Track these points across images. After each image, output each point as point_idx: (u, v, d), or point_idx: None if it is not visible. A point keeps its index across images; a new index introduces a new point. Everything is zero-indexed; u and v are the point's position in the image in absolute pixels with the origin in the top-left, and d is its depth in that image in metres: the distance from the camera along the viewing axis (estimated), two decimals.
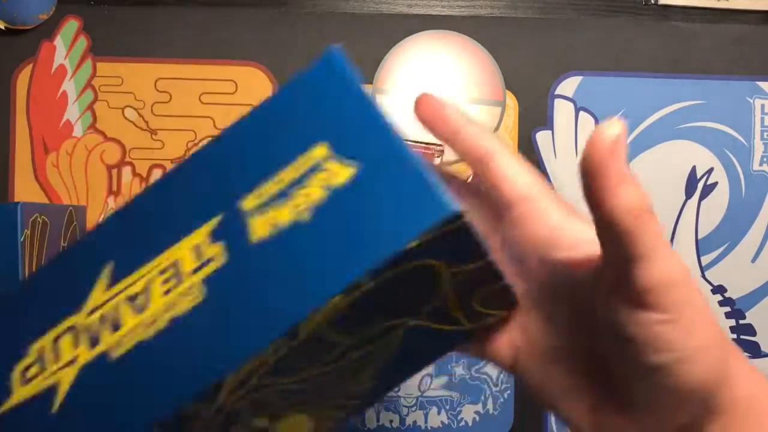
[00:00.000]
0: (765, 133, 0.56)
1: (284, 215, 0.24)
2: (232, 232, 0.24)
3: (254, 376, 0.23)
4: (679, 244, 0.56)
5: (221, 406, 0.24)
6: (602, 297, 0.25)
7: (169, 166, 0.55)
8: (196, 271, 0.24)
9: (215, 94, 0.55)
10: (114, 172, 0.55)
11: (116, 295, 0.25)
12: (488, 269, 0.26)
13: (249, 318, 0.23)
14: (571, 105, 0.56)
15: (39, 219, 0.47)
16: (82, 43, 0.55)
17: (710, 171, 0.56)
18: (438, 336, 0.28)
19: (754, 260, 0.56)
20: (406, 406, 0.55)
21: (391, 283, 0.23)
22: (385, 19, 0.56)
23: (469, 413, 0.56)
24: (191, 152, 0.26)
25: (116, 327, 0.25)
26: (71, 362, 0.25)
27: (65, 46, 0.55)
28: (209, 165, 0.26)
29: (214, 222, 0.25)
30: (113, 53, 0.55)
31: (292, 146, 0.25)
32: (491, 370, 0.56)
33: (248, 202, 0.25)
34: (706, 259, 0.56)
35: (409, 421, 0.55)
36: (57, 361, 0.25)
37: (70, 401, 0.24)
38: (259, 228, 0.24)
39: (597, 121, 0.56)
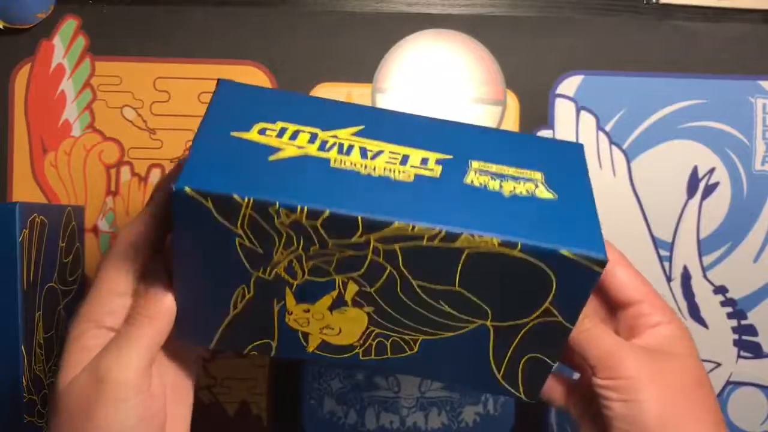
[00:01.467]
0: (767, 133, 0.56)
1: (492, 185, 0.34)
2: (453, 168, 0.34)
3: (397, 245, 0.32)
4: (680, 244, 0.56)
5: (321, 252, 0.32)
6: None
7: (168, 166, 0.55)
8: (415, 167, 0.34)
9: None
10: (113, 171, 0.55)
11: (355, 140, 0.34)
12: (563, 332, 0.34)
13: (428, 202, 0.32)
14: (572, 104, 0.56)
15: (37, 219, 0.47)
16: (81, 42, 0.55)
17: (712, 171, 0.56)
18: (477, 357, 0.37)
19: (756, 260, 0.56)
20: (406, 407, 0.55)
21: (520, 268, 0.32)
22: (385, 18, 0.56)
23: (469, 414, 0.55)
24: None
25: (343, 152, 0.33)
26: (300, 146, 0.33)
27: (63, 45, 0.55)
28: (476, 136, 0.37)
29: (446, 156, 0.35)
30: (112, 52, 0.55)
31: (526, 159, 0.35)
32: None
33: (476, 164, 0.35)
34: (707, 260, 0.56)
35: (409, 422, 0.55)
36: (291, 140, 0.33)
37: (284, 162, 0.32)
38: (472, 178, 0.34)
39: (598, 121, 0.56)
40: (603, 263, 0.31)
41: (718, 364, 0.56)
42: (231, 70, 0.55)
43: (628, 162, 0.56)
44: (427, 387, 0.55)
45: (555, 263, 0.31)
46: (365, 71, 0.56)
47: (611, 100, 0.56)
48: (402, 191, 0.32)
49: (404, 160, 0.34)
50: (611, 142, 0.56)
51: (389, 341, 0.36)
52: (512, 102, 0.56)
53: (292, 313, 0.35)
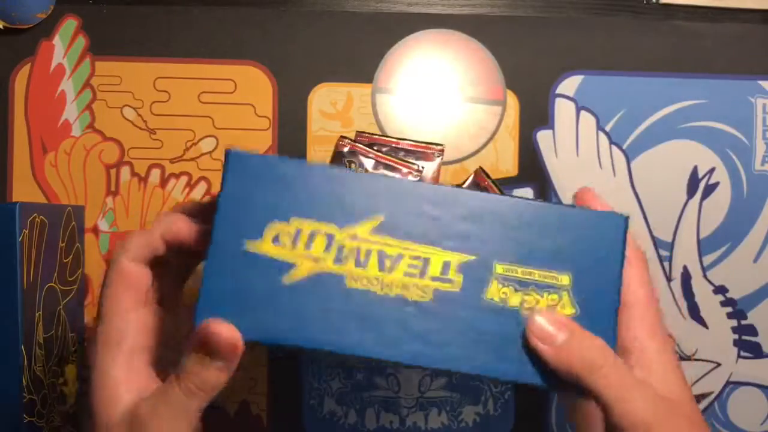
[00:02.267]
0: (767, 133, 0.56)
1: (513, 301, 0.32)
2: (474, 276, 0.32)
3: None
4: (680, 244, 0.56)
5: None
6: None
7: (168, 166, 0.55)
8: (435, 279, 0.32)
9: (214, 94, 0.55)
10: (113, 171, 0.55)
11: (374, 242, 0.32)
12: None
13: (441, 335, 0.32)
14: (572, 104, 0.56)
15: (37, 219, 0.47)
16: (81, 42, 0.55)
17: (712, 171, 0.56)
18: None
19: (756, 260, 0.56)
20: (406, 407, 0.55)
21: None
22: (385, 18, 0.56)
23: (469, 414, 0.55)
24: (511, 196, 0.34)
25: (360, 264, 0.32)
26: (316, 259, 0.32)
27: (64, 45, 0.55)
28: (504, 217, 0.33)
29: (469, 258, 0.32)
30: (112, 52, 0.55)
31: (558, 254, 0.33)
32: None
33: (500, 268, 0.32)
34: (707, 259, 0.56)
35: (409, 421, 0.55)
36: (306, 249, 0.32)
37: (299, 285, 0.31)
38: (493, 292, 0.32)
39: (598, 121, 0.56)
40: None
41: (718, 364, 0.56)
42: (231, 70, 0.55)
43: (628, 162, 0.56)
44: (427, 387, 0.55)
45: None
46: (365, 71, 0.56)
47: (611, 100, 0.56)
48: (416, 319, 0.32)
49: (424, 269, 0.32)
50: (611, 142, 0.56)
51: None
52: (512, 102, 0.56)
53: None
